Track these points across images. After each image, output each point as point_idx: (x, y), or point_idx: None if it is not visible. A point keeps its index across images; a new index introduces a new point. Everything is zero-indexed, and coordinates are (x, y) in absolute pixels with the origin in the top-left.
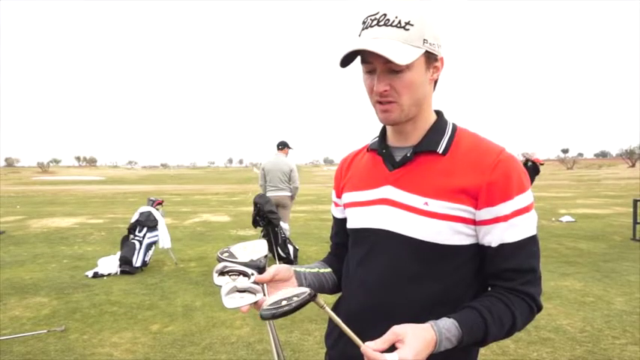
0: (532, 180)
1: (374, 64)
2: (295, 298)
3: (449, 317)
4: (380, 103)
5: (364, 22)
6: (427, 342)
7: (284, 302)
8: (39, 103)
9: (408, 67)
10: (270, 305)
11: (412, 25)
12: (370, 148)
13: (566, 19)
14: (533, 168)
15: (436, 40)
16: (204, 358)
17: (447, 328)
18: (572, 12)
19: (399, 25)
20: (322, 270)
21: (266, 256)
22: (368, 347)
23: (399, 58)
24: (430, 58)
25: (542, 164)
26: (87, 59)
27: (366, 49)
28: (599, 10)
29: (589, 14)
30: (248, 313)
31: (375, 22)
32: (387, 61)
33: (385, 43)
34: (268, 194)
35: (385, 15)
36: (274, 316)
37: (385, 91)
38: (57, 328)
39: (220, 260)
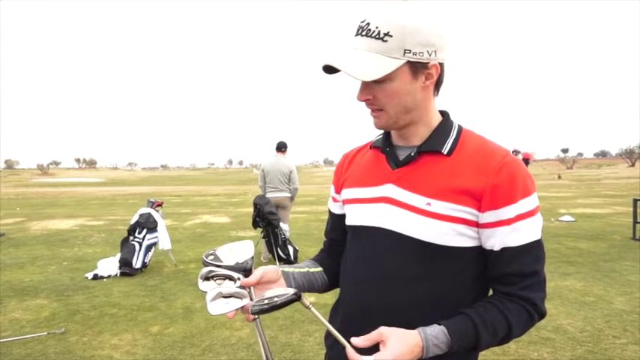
0: None
1: None
2: (276, 298)
3: (439, 324)
4: (369, 109)
5: (356, 28)
6: (410, 348)
7: (266, 301)
8: (38, 105)
9: (389, 77)
10: (257, 302)
11: (391, 36)
12: (374, 146)
13: (566, 19)
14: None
15: (426, 47)
16: (204, 359)
17: (434, 334)
18: (573, 12)
19: (377, 37)
20: (312, 269)
21: (252, 257)
22: (349, 348)
23: (363, 73)
24: (417, 66)
25: (528, 160)
26: (87, 61)
27: (336, 68)
28: (599, 10)
29: (589, 14)
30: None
31: (359, 30)
32: None
33: (356, 56)
34: (268, 195)
35: (368, 24)
36: (262, 312)
37: (367, 99)
38: (57, 330)
39: (206, 264)
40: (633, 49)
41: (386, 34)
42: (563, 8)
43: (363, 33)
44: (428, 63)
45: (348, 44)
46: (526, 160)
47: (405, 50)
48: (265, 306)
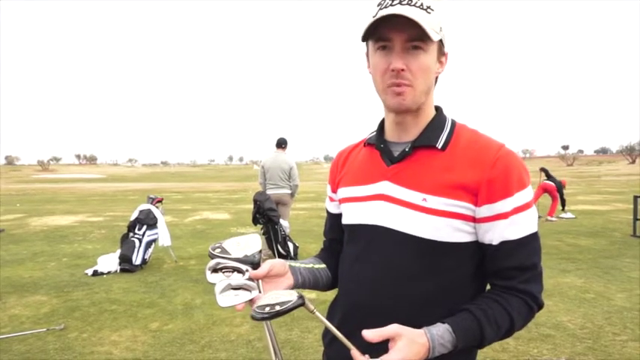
0: None
1: (393, 41)
2: (278, 307)
3: (443, 322)
4: (394, 85)
5: (380, 4)
6: (418, 349)
7: (267, 309)
8: (39, 102)
9: (427, 49)
10: (259, 307)
11: (433, 10)
12: (368, 143)
13: (567, 17)
14: None
15: (446, 34)
16: (203, 356)
17: (440, 334)
18: (573, 10)
19: (421, 7)
20: (317, 266)
21: (260, 250)
22: (355, 351)
23: (431, 33)
24: (441, 49)
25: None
26: (87, 58)
27: (401, 14)
28: (599, 9)
29: (589, 13)
30: (247, 310)
31: (396, 0)
32: (407, 39)
33: (410, 14)
34: (268, 192)
35: None
36: (264, 319)
37: (402, 70)
38: (56, 326)
39: (213, 256)
40: (633, 47)
41: (429, 7)
42: (564, 7)
43: (404, 2)
44: (445, 48)
45: (385, 13)
46: (561, 186)
47: (441, 27)
48: (266, 315)
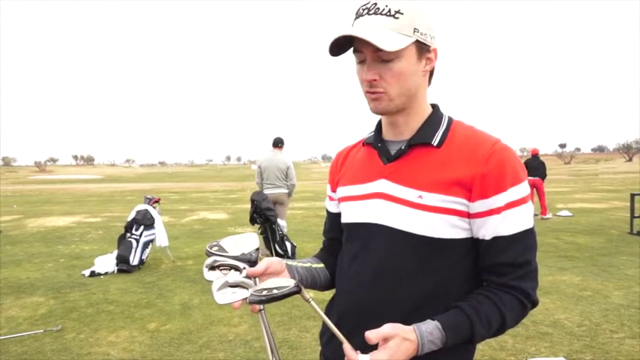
0: None
1: (364, 53)
2: (275, 291)
3: (433, 319)
4: (369, 92)
5: (357, 13)
6: (407, 346)
7: (265, 292)
8: (36, 102)
9: (398, 56)
10: (256, 291)
11: (402, 13)
12: (366, 142)
13: (565, 16)
14: None
15: (429, 31)
16: (201, 356)
17: (429, 331)
18: (571, 9)
19: (388, 14)
20: (315, 265)
21: (257, 249)
22: (347, 344)
23: (386, 44)
24: (422, 48)
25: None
26: (84, 58)
27: (351, 35)
28: (598, 8)
29: (588, 12)
30: (245, 310)
31: (365, 11)
32: (376, 50)
33: (373, 31)
34: (265, 191)
35: (376, 4)
36: (261, 302)
37: (374, 80)
38: (53, 327)
39: (210, 254)
40: (631, 46)
41: (397, 12)
42: (563, 6)
43: (372, 12)
44: (430, 46)
45: (357, 24)
46: (535, 156)
47: (415, 29)
48: (263, 297)
